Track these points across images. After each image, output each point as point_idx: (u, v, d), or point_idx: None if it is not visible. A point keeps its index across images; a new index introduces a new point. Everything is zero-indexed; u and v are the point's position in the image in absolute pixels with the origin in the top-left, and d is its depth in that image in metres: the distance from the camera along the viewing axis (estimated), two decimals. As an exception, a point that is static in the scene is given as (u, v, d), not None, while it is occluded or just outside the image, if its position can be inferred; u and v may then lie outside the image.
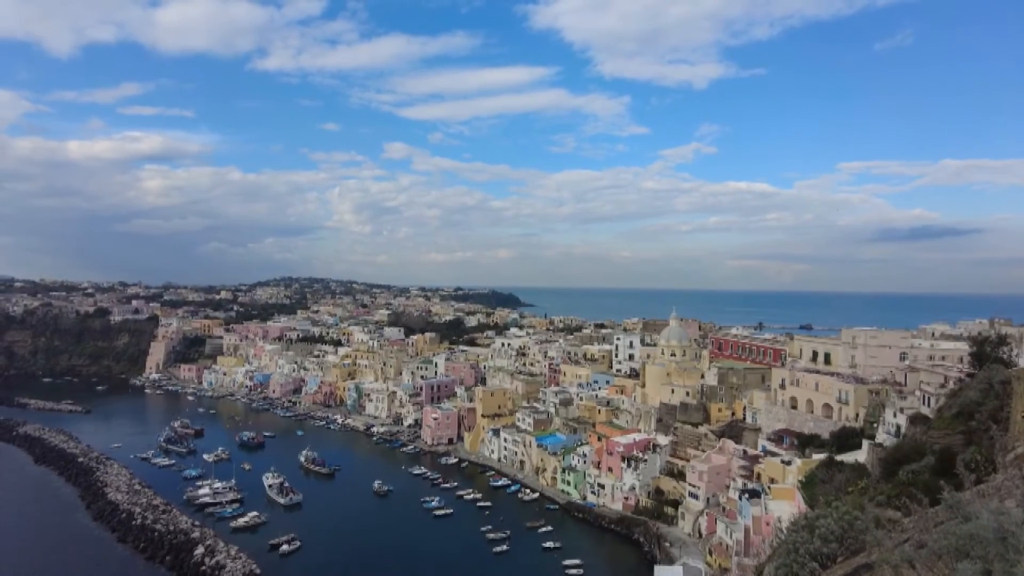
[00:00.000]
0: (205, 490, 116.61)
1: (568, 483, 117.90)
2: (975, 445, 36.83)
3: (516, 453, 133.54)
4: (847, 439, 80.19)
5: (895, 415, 74.80)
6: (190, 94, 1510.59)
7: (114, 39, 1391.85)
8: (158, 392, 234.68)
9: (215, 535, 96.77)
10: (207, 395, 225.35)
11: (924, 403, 73.79)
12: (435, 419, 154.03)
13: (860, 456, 65.57)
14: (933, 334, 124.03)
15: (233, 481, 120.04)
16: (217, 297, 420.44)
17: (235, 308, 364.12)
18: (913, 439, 50.52)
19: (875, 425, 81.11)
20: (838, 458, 68.27)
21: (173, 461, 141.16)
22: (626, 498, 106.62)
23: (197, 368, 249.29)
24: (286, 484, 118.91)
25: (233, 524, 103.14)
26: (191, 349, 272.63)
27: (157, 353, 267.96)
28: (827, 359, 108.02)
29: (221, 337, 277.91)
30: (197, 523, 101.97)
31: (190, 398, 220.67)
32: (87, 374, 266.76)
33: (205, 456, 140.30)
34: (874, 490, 43.77)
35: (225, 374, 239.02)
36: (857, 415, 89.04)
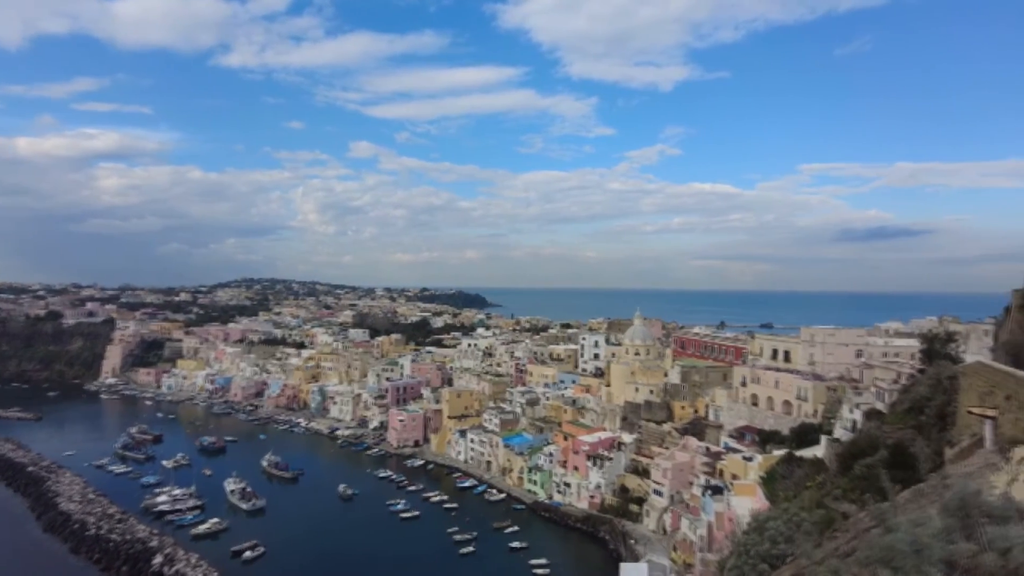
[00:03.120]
0: (164, 497, 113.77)
1: (535, 483, 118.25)
2: (924, 439, 38.07)
3: (483, 454, 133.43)
4: (806, 435, 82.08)
5: (851, 411, 76.90)
6: (148, 90, 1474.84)
7: (67, 31, 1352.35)
8: (114, 397, 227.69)
9: (175, 543, 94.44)
10: (166, 400, 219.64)
11: (878, 399, 76.03)
12: (401, 421, 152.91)
13: (818, 451, 67.10)
14: (887, 332, 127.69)
15: (193, 487, 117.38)
16: (176, 299, 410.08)
17: (195, 310, 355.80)
18: (868, 434, 51.82)
19: (833, 421, 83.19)
20: (798, 454, 69.78)
21: (130, 468, 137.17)
22: (592, 496, 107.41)
23: (156, 372, 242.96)
24: (248, 489, 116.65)
25: (193, 531, 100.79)
26: (149, 352, 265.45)
27: (113, 357, 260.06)
28: (787, 357, 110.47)
29: (181, 340, 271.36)
30: (155, 531, 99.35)
31: (148, 403, 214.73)
32: (37, 380, 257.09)
33: (164, 462, 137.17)
34: (831, 484, 44.83)
35: (185, 378, 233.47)
36: (816, 411, 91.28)
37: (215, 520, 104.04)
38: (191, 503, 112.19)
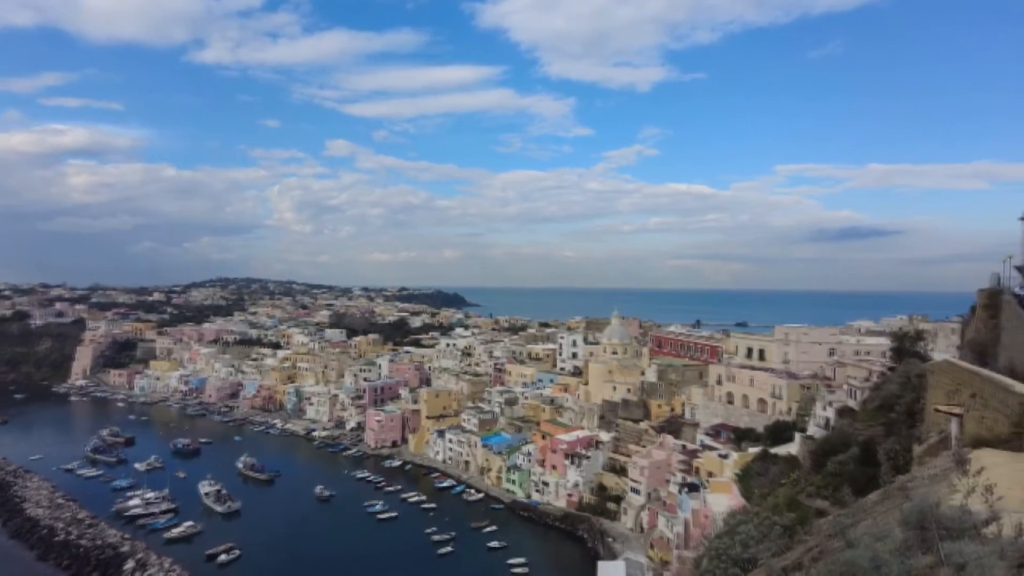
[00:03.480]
0: (136, 501, 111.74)
1: (513, 482, 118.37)
2: (895, 436, 38.82)
3: (461, 454, 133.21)
4: (781, 432, 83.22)
5: (824, 408, 78.12)
6: (119, 86, 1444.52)
7: (33, 24, 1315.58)
8: (84, 399, 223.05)
9: (147, 548, 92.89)
10: (139, 401, 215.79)
11: (851, 396, 77.34)
12: (378, 421, 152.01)
13: (792, 448, 68.06)
14: (859, 330, 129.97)
15: (167, 490, 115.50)
16: (149, 299, 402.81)
17: (169, 310, 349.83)
18: (840, 431, 52.71)
19: (806, 418, 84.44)
20: (772, 451, 70.77)
21: (101, 472, 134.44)
22: (570, 495, 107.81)
23: (128, 373, 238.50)
24: (223, 492, 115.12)
25: (167, 535, 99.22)
26: (121, 353, 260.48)
27: (84, 358, 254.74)
28: (761, 355, 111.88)
29: (154, 340, 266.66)
30: (127, 536, 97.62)
31: (120, 405, 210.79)
32: (4, 382, 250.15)
33: (136, 465, 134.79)
34: (805, 481, 45.52)
35: (158, 379, 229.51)
36: (790, 409, 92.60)
37: (189, 523, 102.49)
38: (164, 506, 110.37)
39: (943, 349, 72.25)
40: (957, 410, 21.62)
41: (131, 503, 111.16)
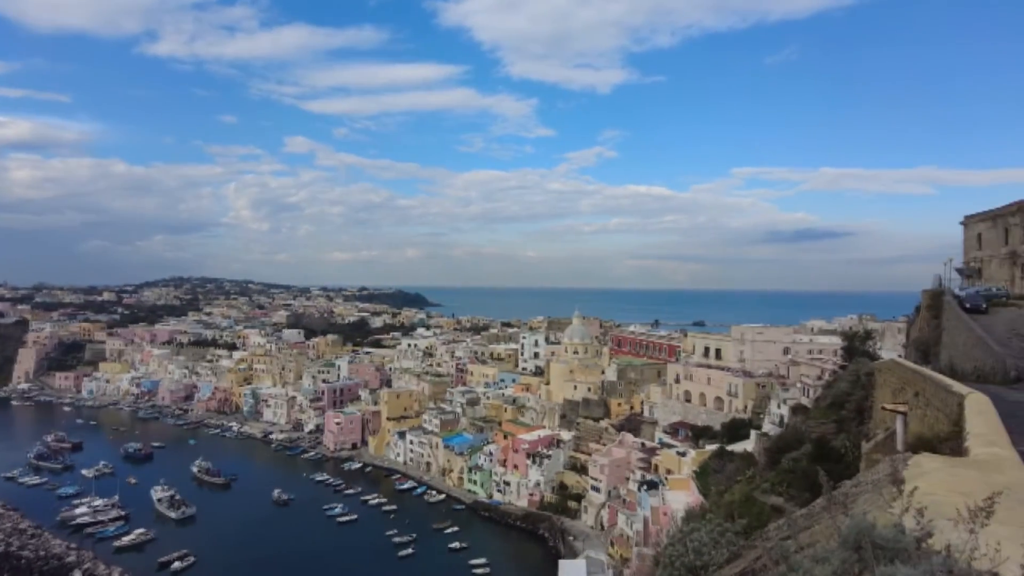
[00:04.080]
0: (83, 509, 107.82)
1: (475, 482, 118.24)
2: (845, 433, 40.06)
3: (423, 455, 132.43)
4: (737, 430, 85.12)
5: (779, 406, 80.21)
6: (66, 77, 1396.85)
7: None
8: (27, 404, 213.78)
9: (95, 557, 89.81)
10: (87, 405, 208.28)
11: (804, 394, 79.56)
12: (338, 424, 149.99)
13: (749, 445, 69.65)
14: (812, 330, 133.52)
15: (116, 497, 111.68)
16: (99, 298, 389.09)
17: (119, 310, 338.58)
18: (794, 428, 54.14)
19: (762, 416, 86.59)
20: (729, 448, 72.19)
21: (45, 479, 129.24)
22: (531, 494, 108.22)
23: (75, 376, 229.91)
24: (177, 497, 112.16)
25: (117, 544, 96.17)
26: (68, 355, 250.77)
27: (26, 361, 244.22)
28: (718, 354, 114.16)
29: (103, 342, 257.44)
30: (73, 546, 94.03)
31: (67, 409, 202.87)
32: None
33: (84, 471, 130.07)
34: (760, 478, 46.56)
35: (108, 381, 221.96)
36: (746, 407, 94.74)
37: (140, 531, 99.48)
38: (114, 514, 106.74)
39: (890, 348, 74.90)
40: (902, 408, 22.40)
41: (78, 511, 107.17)
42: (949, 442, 11.98)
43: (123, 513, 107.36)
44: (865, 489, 7.22)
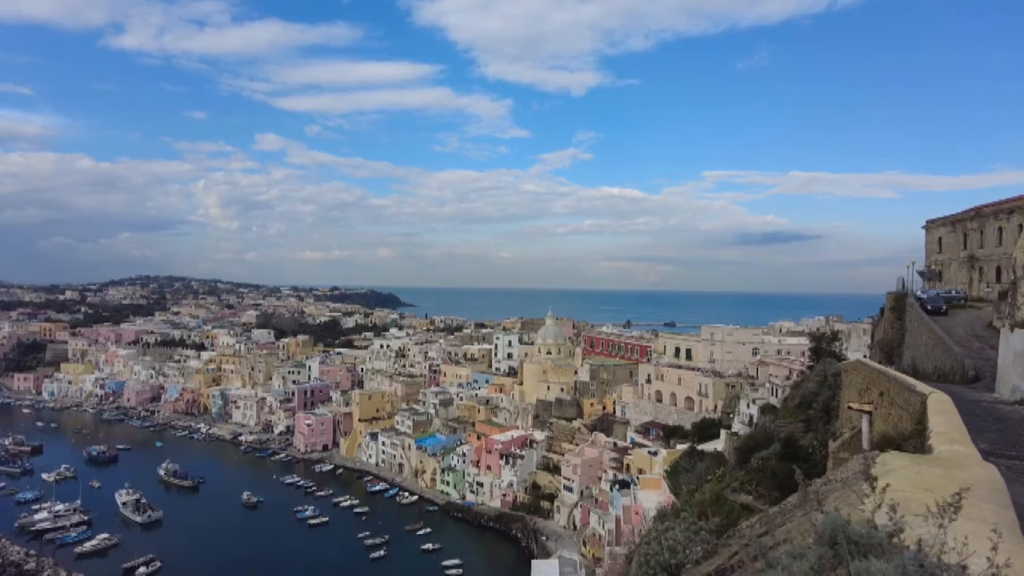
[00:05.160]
0: (43, 514, 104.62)
1: (448, 483, 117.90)
2: (813, 432, 40.92)
3: (395, 456, 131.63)
4: (707, 429, 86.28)
5: (748, 406, 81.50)
6: (26, 69, 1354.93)
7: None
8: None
9: (55, 564, 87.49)
10: (48, 407, 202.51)
11: (772, 394, 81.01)
12: (308, 425, 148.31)
13: (719, 445, 70.65)
14: (781, 330, 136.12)
15: (79, 502, 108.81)
16: (61, 298, 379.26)
17: (83, 310, 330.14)
18: (763, 428, 55.09)
19: (731, 415, 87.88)
20: (700, 447, 73.16)
21: (2, 484, 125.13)
22: (504, 495, 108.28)
23: (36, 377, 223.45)
24: (143, 501, 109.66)
25: (78, 550, 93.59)
26: (28, 356, 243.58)
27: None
28: (689, 355, 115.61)
29: (66, 342, 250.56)
30: (32, 552, 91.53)
31: (26, 411, 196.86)
32: None
33: (44, 475, 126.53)
34: (730, 477, 47.24)
35: (70, 383, 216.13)
36: (716, 406, 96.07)
37: (104, 536, 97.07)
38: (76, 519, 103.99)
39: (856, 348, 76.65)
40: (868, 408, 22.97)
41: (37, 516, 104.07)
42: (912, 440, 12.35)
43: (86, 518, 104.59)
44: (835, 487, 7.41)
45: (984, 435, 13.16)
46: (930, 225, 64.60)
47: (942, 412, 12.18)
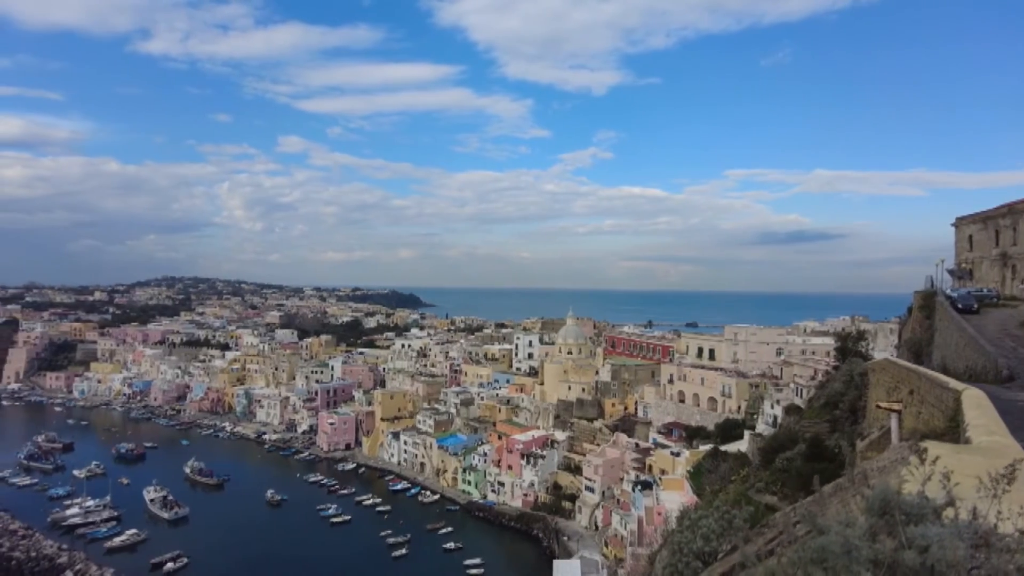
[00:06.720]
0: (75, 509, 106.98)
1: (469, 483, 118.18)
2: (839, 432, 40.37)
3: (416, 455, 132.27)
4: (731, 430, 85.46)
5: (772, 406, 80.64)
6: (58, 75, 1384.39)
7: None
8: (18, 404, 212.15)
9: (86, 558, 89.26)
10: (78, 405, 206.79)
11: (797, 394, 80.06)
12: (331, 424, 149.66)
13: (742, 446, 69.97)
14: (805, 331, 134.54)
15: (108, 498, 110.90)
16: (90, 298, 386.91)
17: (111, 310, 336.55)
18: (787, 428, 54.45)
19: (755, 416, 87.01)
20: (723, 448, 72.53)
21: (35, 480, 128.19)
22: (525, 495, 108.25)
23: (67, 376, 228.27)
24: (170, 498, 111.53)
25: (108, 544, 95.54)
26: (59, 355, 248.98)
27: (17, 361, 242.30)
28: (712, 355, 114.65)
29: (95, 342, 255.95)
30: (65, 547, 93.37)
31: (58, 409, 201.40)
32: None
33: (75, 472, 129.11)
34: (755, 477, 46.77)
35: (100, 382, 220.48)
36: (739, 407, 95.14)
37: (133, 531, 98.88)
38: (106, 514, 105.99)
39: (883, 348, 75.48)
40: (897, 406, 22.66)
41: (69, 512, 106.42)
42: (945, 437, 12.18)
43: (115, 514, 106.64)
44: (877, 480, 7.36)
45: (1021, 434, 12.94)
46: (960, 222, 63.31)
47: (978, 407, 12.00)
